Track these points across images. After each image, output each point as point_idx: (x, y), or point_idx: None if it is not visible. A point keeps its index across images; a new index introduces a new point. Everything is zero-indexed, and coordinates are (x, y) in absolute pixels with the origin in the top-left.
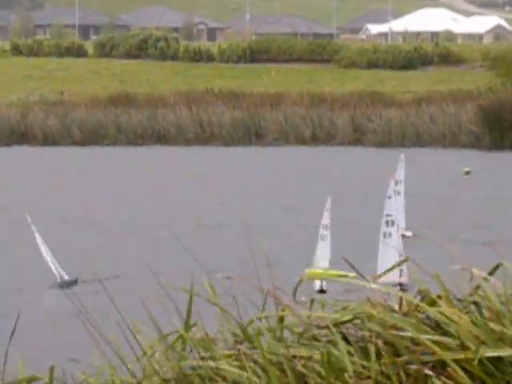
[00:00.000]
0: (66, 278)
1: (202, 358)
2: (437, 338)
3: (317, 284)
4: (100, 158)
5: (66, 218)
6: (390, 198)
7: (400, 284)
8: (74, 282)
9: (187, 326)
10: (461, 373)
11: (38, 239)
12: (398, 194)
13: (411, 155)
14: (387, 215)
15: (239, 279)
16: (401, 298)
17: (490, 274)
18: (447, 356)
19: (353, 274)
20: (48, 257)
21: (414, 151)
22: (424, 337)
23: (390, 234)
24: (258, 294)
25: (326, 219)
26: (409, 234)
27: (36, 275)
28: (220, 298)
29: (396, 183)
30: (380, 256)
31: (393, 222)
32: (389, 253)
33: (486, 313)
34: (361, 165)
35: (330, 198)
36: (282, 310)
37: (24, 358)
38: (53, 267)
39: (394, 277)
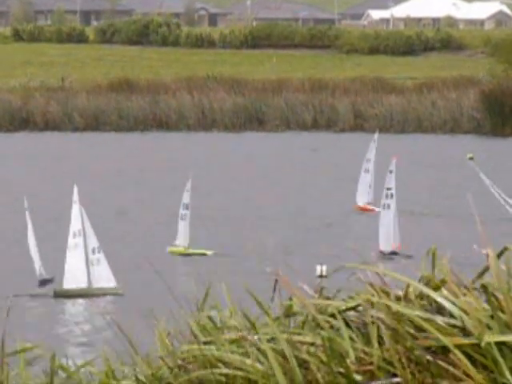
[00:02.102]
0: (44, 276)
1: (205, 344)
2: (439, 323)
3: (317, 269)
4: (101, 143)
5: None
6: (391, 172)
7: (393, 252)
8: (50, 281)
9: (199, 312)
10: (463, 359)
11: (30, 233)
12: (367, 171)
13: (412, 141)
14: (388, 189)
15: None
16: (407, 286)
17: (498, 256)
18: (450, 342)
19: (211, 252)
20: (33, 254)
21: (415, 137)
22: (427, 322)
23: (388, 206)
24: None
25: (186, 199)
26: (377, 209)
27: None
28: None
29: (367, 161)
30: (380, 226)
31: (392, 195)
32: (389, 223)
33: (492, 298)
34: (361, 150)
35: (190, 179)
36: (290, 299)
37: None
38: (36, 265)
39: (388, 246)
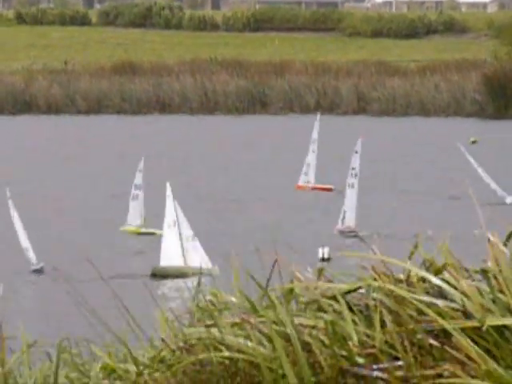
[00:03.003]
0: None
1: (207, 327)
2: (441, 306)
3: (320, 252)
4: (104, 126)
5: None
6: (356, 152)
7: (352, 231)
8: (40, 271)
9: (195, 295)
10: (465, 342)
11: (16, 219)
12: (313, 151)
13: (415, 124)
14: (352, 168)
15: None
16: (409, 272)
17: (505, 244)
18: (451, 325)
19: (160, 231)
20: (23, 240)
21: (418, 120)
22: (428, 306)
23: (353, 185)
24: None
25: (138, 179)
26: (329, 186)
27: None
28: (230, 270)
29: (312, 142)
30: (346, 203)
31: (356, 175)
32: (352, 202)
33: (493, 282)
34: (365, 132)
35: (142, 160)
36: (291, 282)
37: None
38: (29, 253)
39: (347, 225)
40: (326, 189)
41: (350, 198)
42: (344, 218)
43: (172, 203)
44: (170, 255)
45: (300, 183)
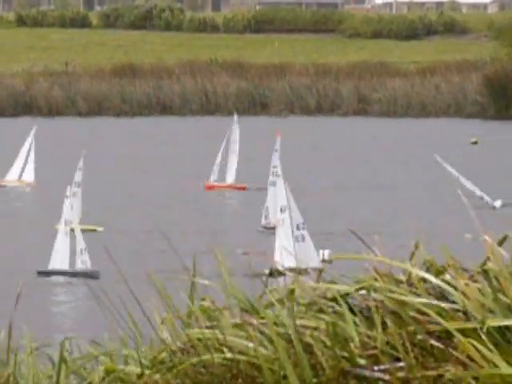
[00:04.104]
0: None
1: (208, 328)
2: (442, 307)
3: (320, 254)
4: (104, 128)
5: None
6: (276, 151)
7: (273, 227)
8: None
9: (192, 296)
10: (466, 343)
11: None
12: (233, 152)
13: (415, 125)
14: (273, 167)
15: (256, 254)
16: (409, 273)
17: (499, 244)
18: (452, 326)
19: (102, 228)
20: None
21: (418, 121)
22: (428, 306)
23: (274, 183)
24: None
25: (78, 177)
26: (243, 185)
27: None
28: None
29: (233, 142)
30: (269, 203)
31: (277, 174)
32: (277, 200)
33: (494, 282)
34: (365, 134)
35: (82, 158)
36: (292, 283)
37: (31, 332)
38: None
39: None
40: (239, 187)
41: (273, 195)
42: (267, 214)
43: (284, 187)
44: (283, 246)
45: (209, 183)
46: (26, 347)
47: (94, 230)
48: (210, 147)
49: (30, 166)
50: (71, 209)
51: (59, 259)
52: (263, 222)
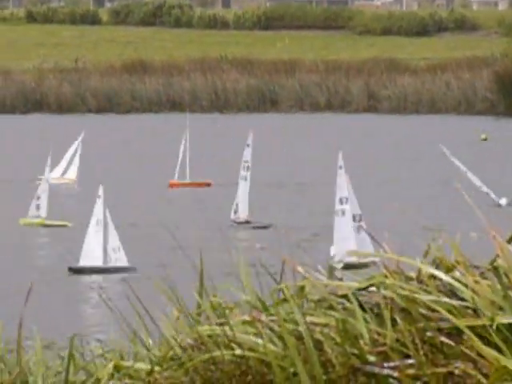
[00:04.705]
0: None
1: (219, 325)
2: (452, 304)
3: (331, 251)
4: (114, 125)
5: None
6: (248, 146)
7: (246, 221)
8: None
9: (201, 293)
10: (476, 340)
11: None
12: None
13: (425, 121)
14: (245, 161)
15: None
16: (419, 270)
17: (509, 242)
18: (462, 323)
19: (70, 223)
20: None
21: (429, 118)
22: (438, 303)
23: (245, 177)
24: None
25: (46, 173)
26: (207, 181)
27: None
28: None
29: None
30: (239, 198)
31: (248, 167)
32: (245, 193)
33: (504, 279)
34: (375, 131)
35: (49, 156)
36: (302, 280)
37: (40, 329)
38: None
39: (244, 214)
40: (204, 184)
41: (244, 189)
42: (237, 209)
43: (344, 178)
44: (343, 238)
45: (174, 181)
46: (35, 344)
47: (64, 226)
48: (208, 145)
49: (75, 165)
50: (102, 208)
51: (91, 256)
52: (233, 216)
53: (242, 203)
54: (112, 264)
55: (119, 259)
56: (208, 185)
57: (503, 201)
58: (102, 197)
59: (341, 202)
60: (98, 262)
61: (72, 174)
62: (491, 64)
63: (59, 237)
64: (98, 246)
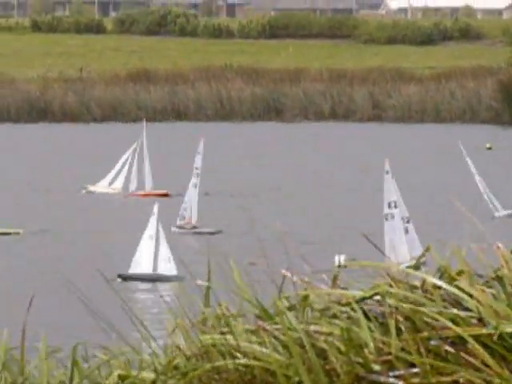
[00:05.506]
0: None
1: (222, 334)
2: (456, 314)
3: (336, 259)
4: (119, 134)
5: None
6: (199, 153)
7: (194, 227)
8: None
9: (207, 302)
10: (480, 349)
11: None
12: (146, 158)
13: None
14: (195, 168)
15: (264, 264)
16: (424, 280)
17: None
18: (466, 332)
19: (22, 230)
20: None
21: (433, 127)
22: (442, 313)
23: (195, 184)
24: (279, 275)
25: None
26: (164, 192)
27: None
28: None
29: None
30: (187, 204)
31: (198, 175)
32: (194, 199)
33: (508, 288)
34: (380, 140)
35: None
36: (305, 289)
37: (46, 335)
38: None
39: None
40: (161, 194)
41: (193, 196)
42: (185, 215)
43: (392, 183)
44: (393, 240)
45: (131, 191)
46: (40, 352)
47: (16, 233)
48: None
49: (122, 175)
50: (155, 224)
51: (142, 263)
52: (178, 222)
53: (191, 209)
54: (161, 273)
55: (169, 269)
56: (165, 195)
57: (497, 213)
58: (155, 214)
59: (389, 206)
60: (147, 271)
61: (119, 183)
62: (496, 73)
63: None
64: (148, 256)
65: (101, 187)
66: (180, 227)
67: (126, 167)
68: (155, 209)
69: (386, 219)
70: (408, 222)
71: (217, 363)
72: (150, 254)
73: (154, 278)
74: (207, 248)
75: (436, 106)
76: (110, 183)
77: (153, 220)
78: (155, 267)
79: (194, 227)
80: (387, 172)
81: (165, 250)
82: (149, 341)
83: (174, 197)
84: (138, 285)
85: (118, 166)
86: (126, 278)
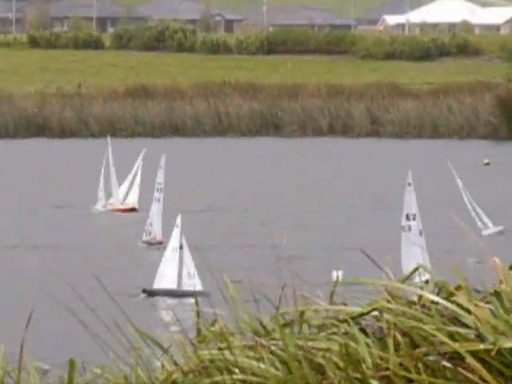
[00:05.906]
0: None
1: (220, 349)
2: (453, 329)
3: (334, 275)
4: (117, 150)
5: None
6: (161, 168)
7: (159, 242)
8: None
9: (199, 317)
10: (478, 364)
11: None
12: (113, 174)
13: (426, 147)
14: (158, 183)
15: (257, 281)
16: (419, 297)
17: (510, 268)
18: (463, 348)
19: None
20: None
21: (431, 142)
22: (440, 329)
23: (158, 199)
24: (276, 291)
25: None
26: (132, 206)
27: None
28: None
29: (111, 165)
30: (152, 219)
31: (161, 189)
32: (158, 214)
33: (506, 303)
34: (378, 156)
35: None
36: (303, 305)
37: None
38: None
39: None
40: (129, 209)
41: (157, 211)
42: (151, 230)
43: (412, 196)
44: (407, 254)
45: (98, 207)
46: (32, 368)
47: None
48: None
49: (135, 190)
50: (178, 236)
51: (166, 279)
52: (144, 237)
53: (155, 225)
54: (186, 288)
55: (193, 284)
56: (133, 209)
57: (485, 231)
58: (179, 226)
59: (407, 217)
60: (171, 286)
61: (133, 199)
62: (494, 88)
63: None
64: (173, 270)
65: (114, 203)
66: (146, 242)
67: (137, 183)
68: (178, 220)
69: (404, 230)
70: (420, 234)
71: (214, 379)
72: (175, 268)
73: (178, 294)
74: (206, 263)
75: (434, 122)
76: (124, 198)
77: (176, 232)
78: (179, 282)
79: (160, 243)
80: (409, 184)
81: (190, 264)
82: (146, 356)
83: (142, 211)
84: (160, 300)
85: (127, 182)
86: (150, 292)
